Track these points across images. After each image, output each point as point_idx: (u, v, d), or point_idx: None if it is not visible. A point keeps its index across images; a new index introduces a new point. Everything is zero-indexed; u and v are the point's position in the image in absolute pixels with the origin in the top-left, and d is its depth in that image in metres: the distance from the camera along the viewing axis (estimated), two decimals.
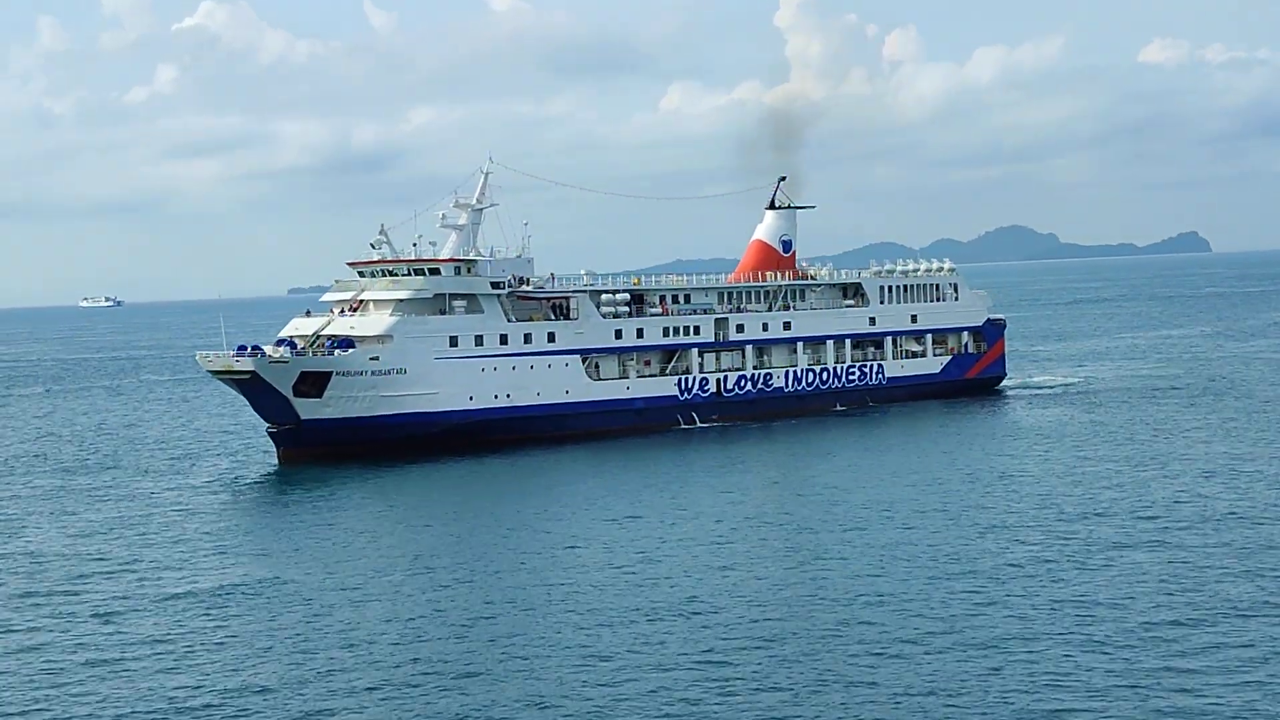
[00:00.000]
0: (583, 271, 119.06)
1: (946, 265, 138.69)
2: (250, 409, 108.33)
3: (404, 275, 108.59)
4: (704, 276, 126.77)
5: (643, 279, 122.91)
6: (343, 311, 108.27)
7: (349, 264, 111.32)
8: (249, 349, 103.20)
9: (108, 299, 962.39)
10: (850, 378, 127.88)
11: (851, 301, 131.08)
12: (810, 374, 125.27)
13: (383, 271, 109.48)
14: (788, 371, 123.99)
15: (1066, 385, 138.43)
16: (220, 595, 61.30)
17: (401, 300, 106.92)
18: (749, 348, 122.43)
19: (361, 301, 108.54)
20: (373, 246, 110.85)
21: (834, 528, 70.38)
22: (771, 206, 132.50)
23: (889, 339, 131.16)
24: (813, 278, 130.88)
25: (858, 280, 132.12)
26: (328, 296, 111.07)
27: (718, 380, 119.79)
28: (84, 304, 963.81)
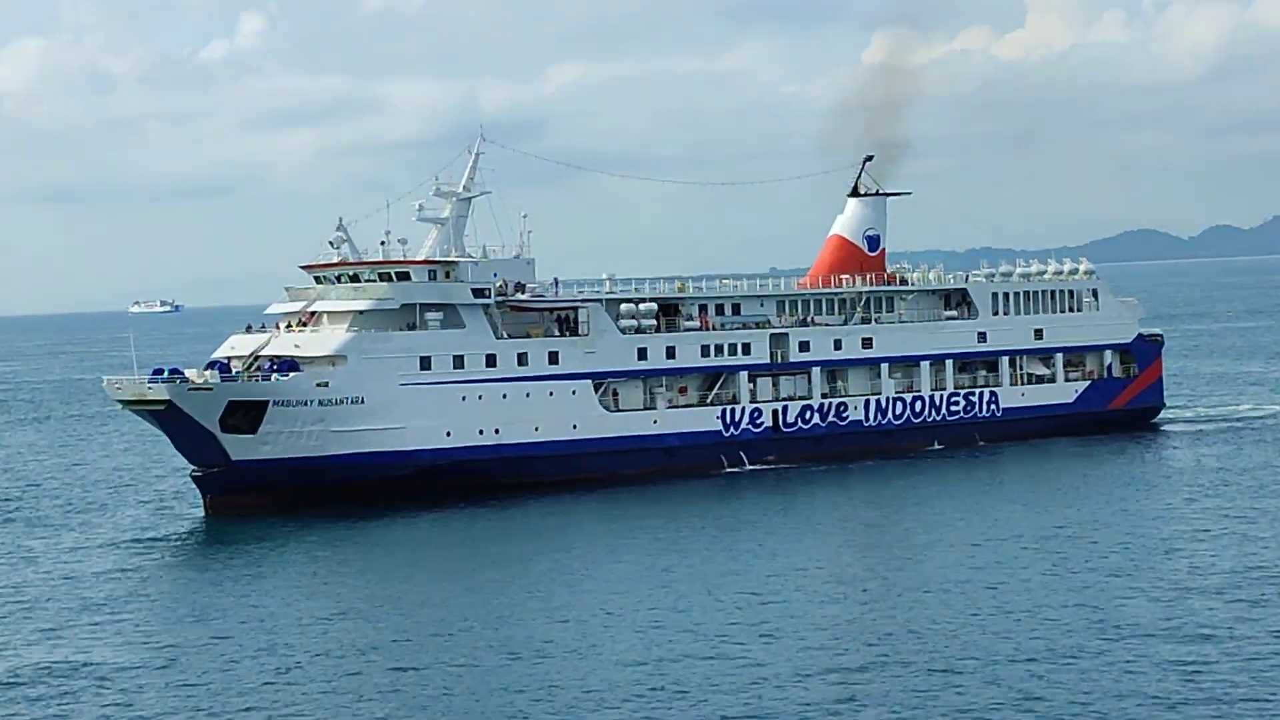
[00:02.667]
0: (604, 275, 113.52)
1: (1083, 266, 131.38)
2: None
3: (367, 280, 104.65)
4: (759, 281, 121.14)
5: (688, 284, 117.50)
6: (289, 326, 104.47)
7: (302, 267, 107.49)
8: (165, 373, 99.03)
9: (164, 303, 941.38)
10: (953, 409, 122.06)
11: (955, 312, 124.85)
12: (899, 404, 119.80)
13: (341, 276, 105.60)
14: (868, 401, 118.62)
15: (1255, 419, 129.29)
16: (119, 675, 60.67)
17: (361, 312, 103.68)
18: (816, 371, 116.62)
19: (313, 313, 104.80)
20: (331, 245, 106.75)
21: (931, 614, 65.77)
22: (854, 193, 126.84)
23: (1005, 359, 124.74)
24: (905, 282, 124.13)
25: (963, 285, 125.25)
26: (275, 308, 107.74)
27: (774, 412, 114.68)
28: (135, 309, 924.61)
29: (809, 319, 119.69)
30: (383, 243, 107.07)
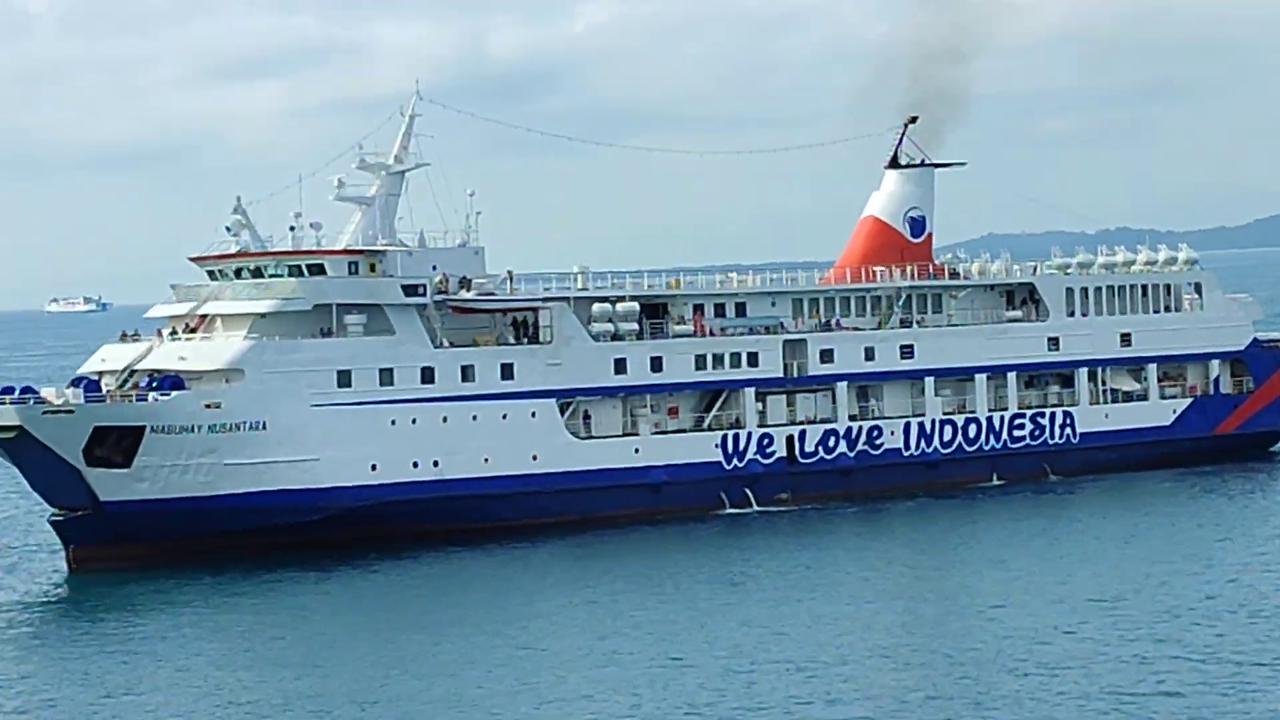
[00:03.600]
0: (575, 268, 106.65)
1: (1183, 255, 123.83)
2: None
3: (272, 275, 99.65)
4: (771, 275, 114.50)
5: (682, 280, 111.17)
6: (174, 333, 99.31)
7: (191, 259, 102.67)
8: (17, 391, 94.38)
9: (88, 300, 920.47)
10: (1016, 434, 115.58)
11: (1020, 313, 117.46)
12: (947, 428, 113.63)
13: (240, 270, 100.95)
14: (909, 424, 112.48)
15: None
16: None
17: (263, 315, 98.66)
18: (842, 386, 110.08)
19: (204, 317, 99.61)
20: (228, 231, 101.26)
21: (983, 702, 61.49)
22: (894, 164, 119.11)
23: (1083, 372, 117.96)
24: (956, 275, 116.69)
25: (1030, 280, 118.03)
26: (157, 311, 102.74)
27: (789, 439, 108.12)
28: (53, 308, 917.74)
29: (833, 322, 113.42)
30: (292, 228, 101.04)
